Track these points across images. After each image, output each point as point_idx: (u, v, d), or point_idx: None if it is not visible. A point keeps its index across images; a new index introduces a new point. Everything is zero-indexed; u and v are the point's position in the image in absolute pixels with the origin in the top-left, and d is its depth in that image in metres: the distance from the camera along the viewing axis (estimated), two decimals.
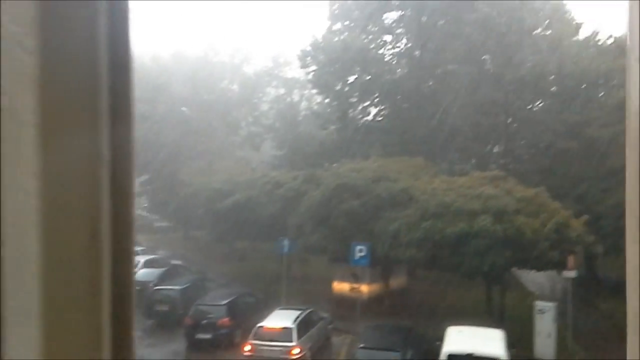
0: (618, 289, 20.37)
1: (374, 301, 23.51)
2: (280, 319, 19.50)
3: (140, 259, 31.70)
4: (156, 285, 25.71)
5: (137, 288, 26.76)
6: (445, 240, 20.95)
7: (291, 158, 33.75)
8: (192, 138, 38.51)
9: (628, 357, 1.29)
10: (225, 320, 21.14)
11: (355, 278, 23.43)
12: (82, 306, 0.88)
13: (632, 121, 1.27)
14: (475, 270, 20.91)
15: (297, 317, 19.60)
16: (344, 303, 23.51)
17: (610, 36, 28.30)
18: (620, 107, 23.95)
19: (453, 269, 21.80)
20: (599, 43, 28.34)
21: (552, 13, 30.63)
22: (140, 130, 40.39)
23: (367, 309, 22.17)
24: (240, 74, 43.32)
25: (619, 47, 26.87)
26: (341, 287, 24.76)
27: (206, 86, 41.04)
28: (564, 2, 30.93)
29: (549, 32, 30.50)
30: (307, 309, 20.64)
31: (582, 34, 29.86)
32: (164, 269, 29.16)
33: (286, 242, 25.51)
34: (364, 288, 23.91)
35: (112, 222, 0.95)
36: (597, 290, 21.63)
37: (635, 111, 1.25)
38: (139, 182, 44.54)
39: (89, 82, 0.91)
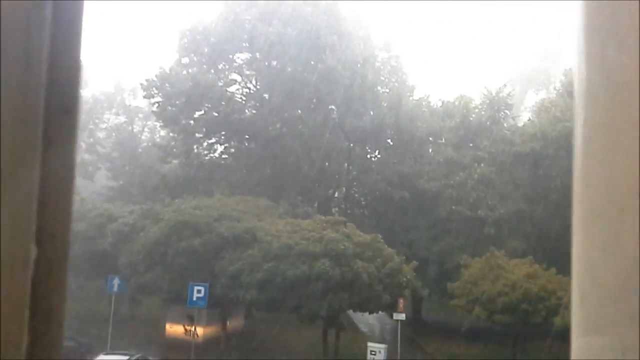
0: (441, 330, 22.05)
1: (210, 344, 22.67)
2: None
3: None
4: None
5: None
6: (286, 282, 21.12)
7: (128, 190, 31.89)
8: None
9: (572, 358, 1.32)
10: None
11: (191, 320, 22.46)
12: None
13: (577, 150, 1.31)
14: (313, 313, 21.29)
15: None
16: (178, 346, 22.33)
17: (440, 99, 31.48)
18: (447, 163, 26.58)
19: (292, 311, 21.97)
20: (431, 104, 31.31)
21: (390, 74, 33.33)
22: None
23: (202, 353, 21.27)
24: None
25: (446, 110, 29.93)
26: (175, 329, 23.53)
27: None
28: (402, 64, 33.77)
29: (388, 90, 33.05)
30: (135, 353, 19.30)
31: (417, 95, 32.80)
32: None
33: (117, 281, 23.77)
34: (200, 330, 22.98)
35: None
36: (423, 332, 23.16)
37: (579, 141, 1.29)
38: None
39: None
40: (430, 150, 29.20)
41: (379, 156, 31.41)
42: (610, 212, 1.21)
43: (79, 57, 0.78)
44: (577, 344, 1.27)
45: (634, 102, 1.19)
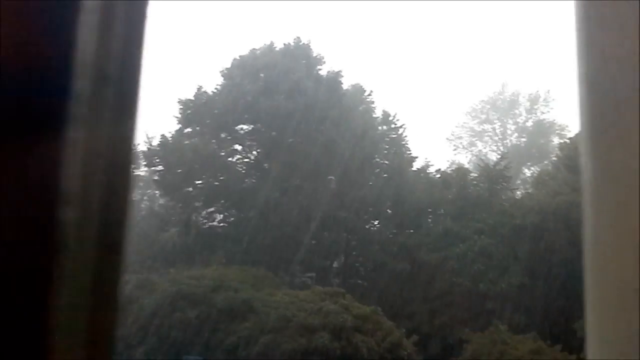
0: None
1: None
2: None
3: None
4: None
5: None
6: (283, 356, 20.64)
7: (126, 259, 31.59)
8: None
9: (589, 358, 1.31)
10: None
11: None
12: None
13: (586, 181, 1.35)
14: None
15: None
16: None
17: (439, 170, 31.88)
18: (446, 234, 26.55)
19: None
20: (430, 175, 31.69)
21: (390, 146, 33.98)
22: None
23: None
24: None
25: (444, 181, 30.24)
26: None
27: None
28: (402, 136, 34.45)
29: (387, 161, 33.59)
30: None
31: (416, 166, 33.26)
32: None
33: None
34: None
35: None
36: None
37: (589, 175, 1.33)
38: None
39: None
40: (429, 221, 29.26)
41: (378, 226, 31.46)
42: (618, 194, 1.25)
43: (142, 55, 0.81)
44: (592, 343, 1.29)
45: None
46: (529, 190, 31.64)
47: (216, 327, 22.36)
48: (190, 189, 33.35)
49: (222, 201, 33.55)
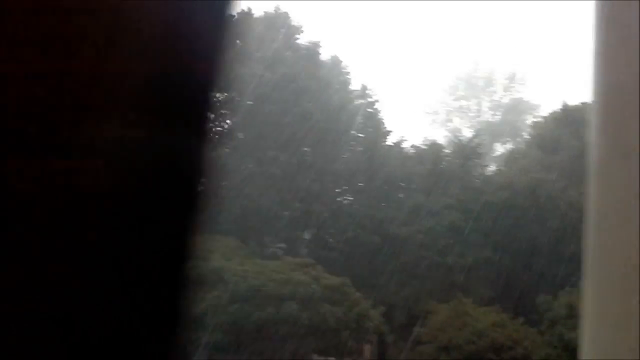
0: None
1: None
2: None
3: None
4: None
5: None
6: (251, 325, 20.77)
7: None
8: None
9: (582, 358, 1.34)
10: None
11: None
12: None
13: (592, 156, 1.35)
14: (278, 356, 20.87)
15: None
16: None
17: (412, 145, 31.99)
18: (417, 209, 26.79)
19: (257, 355, 21.51)
20: (404, 150, 31.79)
21: (366, 119, 33.90)
22: None
23: None
24: None
25: (418, 156, 30.38)
26: None
27: None
28: (378, 111, 34.39)
29: (362, 135, 33.54)
30: None
31: (391, 140, 33.28)
32: None
33: None
34: None
35: None
36: None
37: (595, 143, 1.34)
38: None
39: None
40: (401, 195, 29.43)
41: (350, 199, 31.55)
42: (621, 207, 1.27)
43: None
44: (587, 340, 1.31)
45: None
46: (501, 168, 31.97)
47: (184, 295, 22.38)
48: None
49: None
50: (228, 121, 34.73)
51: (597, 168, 1.41)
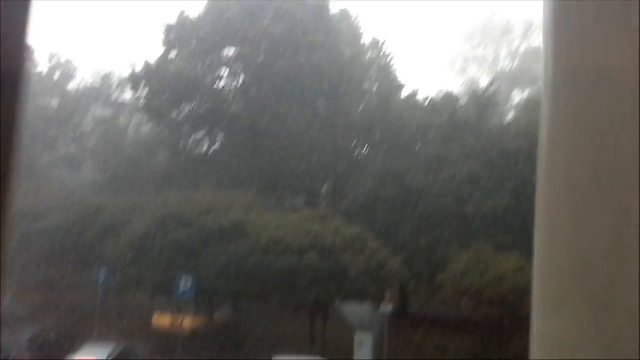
0: (428, 322, 22.22)
1: (198, 335, 22.64)
2: (89, 354, 17.92)
3: None
4: None
5: None
6: (273, 275, 21.14)
7: (115, 184, 31.62)
8: None
9: (533, 340, 1.36)
10: (28, 355, 18.89)
11: (179, 311, 22.43)
12: None
13: (543, 131, 1.39)
14: (300, 304, 21.36)
15: (110, 351, 18.20)
16: (165, 337, 22.26)
17: (427, 97, 31.79)
18: (435, 159, 26.77)
19: (279, 302, 22.03)
20: (419, 102, 31.59)
21: (379, 72, 33.61)
22: None
23: (190, 343, 21.26)
24: (61, 90, 39.94)
25: (434, 107, 30.18)
26: (163, 320, 23.44)
27: None
28: (391, 63, 34.03)
29: (375, 87, 33.32)
30: (121, 343, 19.26)
31: (405, 93, 33.10)
32: None
33: (103, 272, 23.64)
34: (188, 321, 22.95)
35: None
36: (409, 324, 23.32)
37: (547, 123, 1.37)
38: None
39: None
40: (418, 147, 29.39)
41: (367, 152, 31.60)
42: (571, 200, 1.30)
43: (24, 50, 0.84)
44: (537, 326, 1.34)
45: (597, 100, 1.29)
46: (519, 116, 31.73)
47: (207, 248, 22.77)
48: (178, 115, 33.00)
49: (210, 127, 33.30)
50: (241, 77, 34.62)
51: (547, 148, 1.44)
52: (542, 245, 1.37)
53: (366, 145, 32.00)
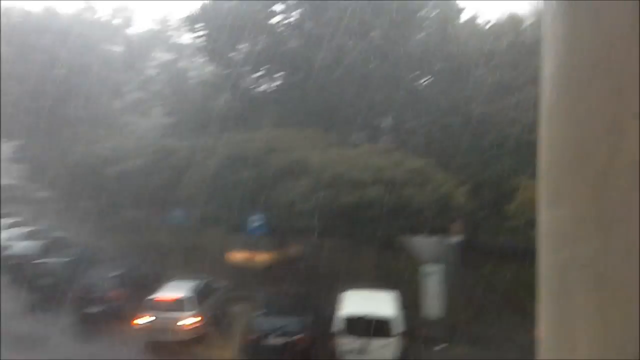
0: (497, 253, 22.31)
1: (271, 270, 23.72)
2: (175, 290, 19.14)
3: (21, 231, 29.36)
4: (38, 259, 24.04)
5: (16, 262, 24.87)
6: (339, 209, 21.50)
7: (182, 127, 32.66)
8: (70, 102, 35.88)
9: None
10: (115, 293, 20.34)
11: (252, 248, 23.46)
12: None
13: (544, 94, 1.45)
14: (367, 238, 21.74)
15: (193, 287, 19.35)
16: (241, 273, 23.50)
17: (489, 21, 30.36)
18: (499, 86, 25.94)
19: (346, 237, 22.48)
20: (479, 27, 30.27)
21: None
22: (11, 92, 36.88)
23: (264, 278, 22.34)
24: (123, 36, 40.85)
25: (496, 31, 28.90)
26: (238, 257, 24.68)
27: (84, 47, 38.26)
28: None
29: (433, 13, 32.06)
30: (203, 278, 20.42)
31: (464, 18, 31.71)
32: (45, 241, 27.27)
33: (179, 213, 24.88)
34: (261, 257, 24.03)
35: None
36: (478, 255, 23.48)
37: (547, 92, 1.43)
38: (13, 147, 40.81)
39: None
40: (480, 74, 28.48)
41: (426, 82, 30.90)
42: (574, 90, 1.35)
43: None
44: (542, 216, 1.42)
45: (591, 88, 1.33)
46: None
47: (273, 186, 23.41)
48: (235, 54, 33.16)
49: (269, 65, 33.36)
50: (297, 12, 34.14)
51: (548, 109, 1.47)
52: (545, 138, 1.52)
53: (427, 75, 31.26)
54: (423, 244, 20.82)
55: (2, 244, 27.49)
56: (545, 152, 1.45)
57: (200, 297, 18.99)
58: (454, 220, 21.06)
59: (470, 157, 24.40)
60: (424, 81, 30.96)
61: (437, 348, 17.80)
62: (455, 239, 20.71)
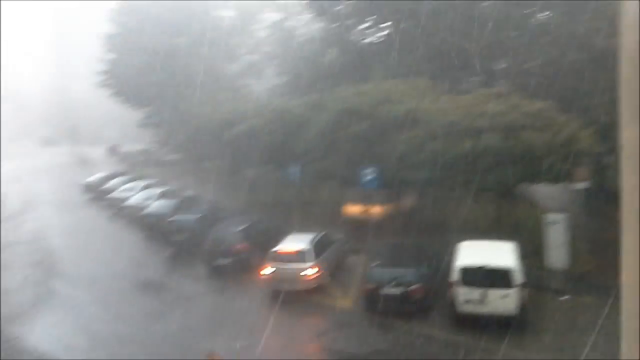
0: None
1: (386, 222, 23.91)
2: (295, 242, 19.98)
3: (155, 191, 31.99)
4: (171, 216, 26.16)
5: (153, 220, 27.27)
6: (453, 159, 20.93)
7: (294, 85, 33.36)
8: (189, 68, 37.89)
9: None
10: (243, 245, 21.67)
11: (366, 200, 23.75)
12: None
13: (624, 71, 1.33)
14: (484, 187, 21.00)
15: (312, 239, 20.08)
16: (356, 225, 23.97)
17: None
18: None
19: (462, 187, 21.89)
20: None
21: None
22: (138, 62, 39.65)
23: (380, 230, 22.62)
24: (233, 1, 42.04)
25: None
26: (352, 210, 25.13)
27: (197, 14, 39.93)
28: None
29: None
30: (320, 231, 21.10)
31: None
32: (177, 200, 29.57)
33: (296, 169, 25.69)
34: (375, 210, 24.29)
35: None
36: (607, 201, 21.90)
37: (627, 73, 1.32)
38: (143, 114, 44.19)
39: None
40: (605, 5, 25.88)
41: (545, 17, 28.65)
42: None
43: None
44: (625, 134, 1.37)
45: None
46: None
47: (385, 138, 23.36)
48: (340, 8, 32.94)
49: (374, 16, 32.82)
50: None
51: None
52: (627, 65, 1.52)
53: (543, 10, 28.99)
54: (545, 191, 19.75)
55: (139, 204, 30.32)
56: (625, 67, 1.44)
57: (319, 249, 19.71)
58: (578, 166, 19.67)
59: (595, 97, 22.57)
60: (542, 16, 28.74)
61: (561, 299, 17.16)
62: (580, 185, 19.38)
